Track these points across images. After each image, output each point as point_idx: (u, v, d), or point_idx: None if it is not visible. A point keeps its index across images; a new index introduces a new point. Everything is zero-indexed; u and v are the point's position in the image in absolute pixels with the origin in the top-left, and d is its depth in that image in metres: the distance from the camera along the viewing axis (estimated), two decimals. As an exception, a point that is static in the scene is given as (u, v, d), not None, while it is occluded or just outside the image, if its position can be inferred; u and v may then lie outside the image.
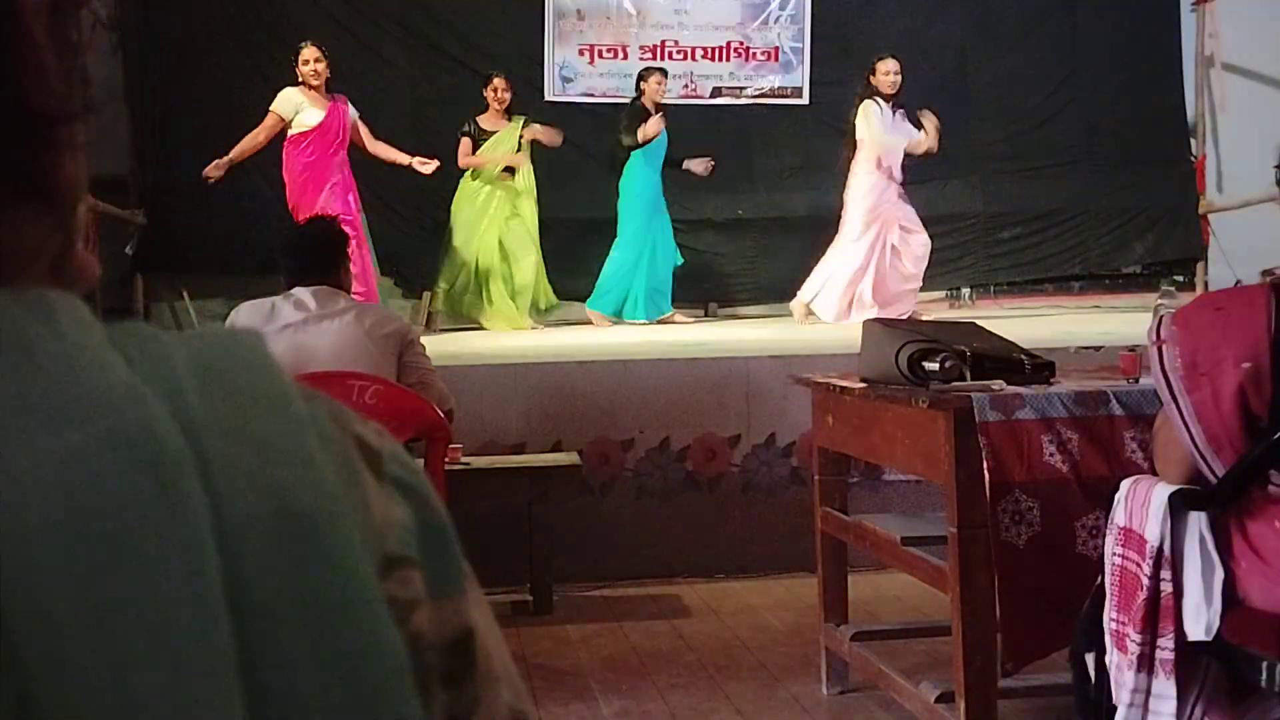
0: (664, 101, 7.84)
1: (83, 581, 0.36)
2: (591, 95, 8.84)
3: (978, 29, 8.98)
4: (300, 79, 6.80)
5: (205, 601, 0.37)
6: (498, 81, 7.53)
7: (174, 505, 0.38)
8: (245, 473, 0.40)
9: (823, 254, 7.74)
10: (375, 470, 0.46)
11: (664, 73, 7.96)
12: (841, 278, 7.30)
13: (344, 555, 0.41)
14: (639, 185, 7.73)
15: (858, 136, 7.29)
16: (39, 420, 0.37)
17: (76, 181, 0.45)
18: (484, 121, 7.54)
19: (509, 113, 7.60)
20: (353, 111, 6.98)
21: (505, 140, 7.54)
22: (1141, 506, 2.17)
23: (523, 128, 7.57)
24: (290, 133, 6.82)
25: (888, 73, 7.22)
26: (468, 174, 7.57)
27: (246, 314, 3.54)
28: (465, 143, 7.46)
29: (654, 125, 7.57)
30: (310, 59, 6.78)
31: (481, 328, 7.52)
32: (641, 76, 7.88)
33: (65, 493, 0.36)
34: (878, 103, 7.24)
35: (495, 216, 7.53)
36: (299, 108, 6.80)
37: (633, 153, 7.69)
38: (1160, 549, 2.11)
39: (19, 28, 0.42)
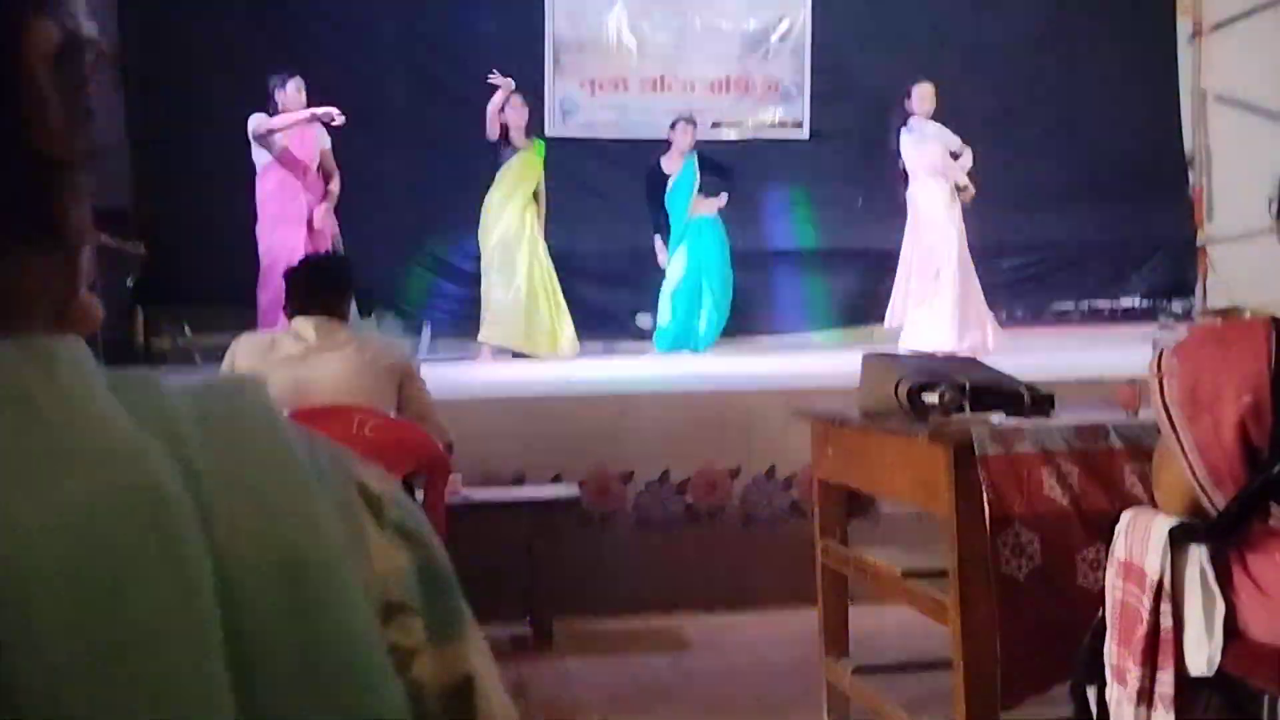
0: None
1: (83, 630, 0.36)
2: (592, 128, 8.88)
3: (975, 61, 9.02)
4: (282, 107, 6.82)
5: (205, 650, 0.37)
6: (515, 99, 7.56)
7: (174, 555, 0.38)
8: (245, 522, 0.40)
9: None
10: (377, 516, 0.46)
11: (686, 121, 8.01)
12: (946, 313, 7.18)
13: (344, 604, 0.41)
14: (671, 224, 7.83)
15: (909, 165, 7.28)
16: (40, 470, 0.37)
17: (81, 225, 0.45)
18: (510, 139, 7.58)
19: (528, 131, 7.63)
20: (325, 140, 6.95)
21: (531, 159, 7.57)
22: (1141, 539, 2.16)
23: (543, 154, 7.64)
24: (259, 165, 6.84)
25: (924, 97, 7.24)
26: (495, 200, 7.56)
27: (247, 346, 3.54)
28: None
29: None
30: (293, 89, 6.80)
31: (526, 356, 7.50)
32: (673, 125, 8.00)
33: (66, 542, 0.36)
34: (909, 126, 7.26)
35: (533, 239, 7.54)
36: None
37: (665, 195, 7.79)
38: (1160, 582, 2.11)
39: (26, 73, 0.42)
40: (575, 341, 7.62)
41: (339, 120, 6.81)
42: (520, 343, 7.54)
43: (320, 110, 6.77)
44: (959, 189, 7.31)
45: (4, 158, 0.42)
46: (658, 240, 7.82)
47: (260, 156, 6.84)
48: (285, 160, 6.82)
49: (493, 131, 7.52)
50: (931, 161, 7.22)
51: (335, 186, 6.96)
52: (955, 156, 7.27)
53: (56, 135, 0.43)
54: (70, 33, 0.44)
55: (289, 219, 6.78)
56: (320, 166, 6.95)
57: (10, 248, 0.42)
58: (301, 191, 6.84)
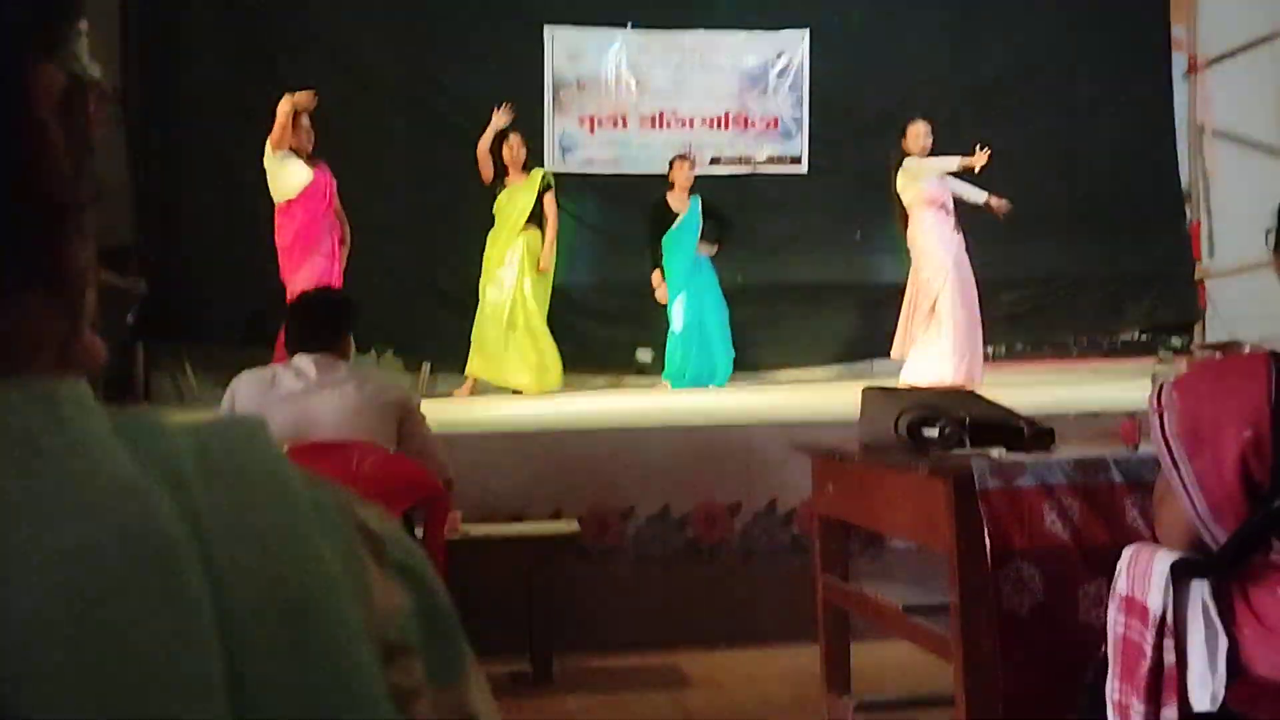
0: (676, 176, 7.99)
1: (85, 675, 0.36)
2: (591, 165, 8.92)
3: (973, 95, 9.08)
4: (292, 144, 6.81)
5: (206, 691, 0.37)
6: (513, 138, 7.62)
7: (176, 599, 0.38)
8: (247, 564, 0.40)
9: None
10: (377, 556, 0.46)
11: (684, 158, 8.06)
12: (945, 347, 7.17)
13: (345, 645, 0.41)
14: (673, 264, 7.84)
15: (905, 201, 7.31)
16: (42, 514, 0.38)
17: (84, 267, 0.45)
18: (507, 179, 7.64)
19: (526, 168, 7.68)
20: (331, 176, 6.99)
21: (523, 192, 7.60)
22: (1143, 575, 2.16)
23: (542, 183, 7.65)
24: (279, 199, 6.84)
25: (918, 135, 7.28)
26: (489, 238, 7.62)
27: (247, 382, 3.55)
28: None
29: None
30: (304, 123, 6.82)
31: (515, 392, 7.51)
32: (671, 164, 8.03)
33: (69, 587, 0.37)
34: (904, 165, 7.29)
35: (520, 274, 7.56)
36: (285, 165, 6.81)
37: (666, 234, 7.80)
38: (1163, 618, 2.10)
39: (32, 118, 0.43)
40: (556, 377, 7.60)
41: (312, 104, 6.79)
42: (499, 378, 7.56)
43: (297, 95, 6.76)
44: (988, 207, 7.34)
45: (10, 202, 0.42)
46: (656, 275, 7.84)
47: (284, 190, 6.81)
48: (312, 194, 6.81)
49: (486, 174, 7.58)
50: (930, 195, 7.25)
51: (347, 229, 7.00)
52: (966, 173, 7.24)
53: (62, 179, 0.44)
54: (75, 76, 0.45)
55: (321, 252, 6.79)
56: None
57: (14, 290, 0.43)
58: (330, 226, 6.87)
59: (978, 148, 7.16)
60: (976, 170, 7.18)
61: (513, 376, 7.53)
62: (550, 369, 7.57)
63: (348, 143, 7.40)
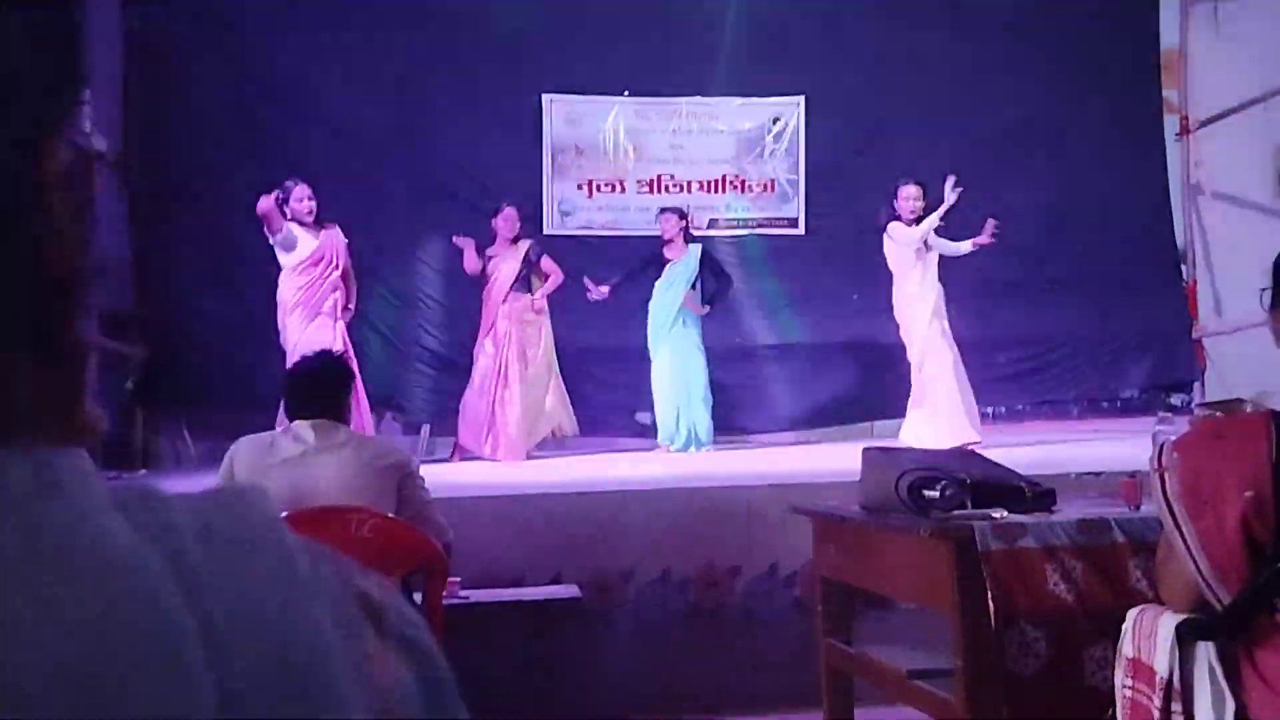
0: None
1: None
2: (589, 228, 8.98)
3: (969, 158, 9.14)
4: (291, 216, 6.87)
5: None
6: (509, 210, 7.67)
7: (175, 672, 0.38)
8: (245, 637, 0.40)
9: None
10: (378, 627, 0.46)
11: (668, 210, 8.13)
12: (937, 409, 7.18)
13: (344, 717, 0.40)
14: (660, 307, 7.90)
15: (890, 265, 7.36)
16: (41, 587, 0.37)
17: (85, 339, 0.45)
18: (492, 250, 7.68)
19: (515, 240, 7.72)
20: (342, 239, 7.05)
21: (508, 261, 7.64)
22: (1148, 637, 2.14)
23: (529, 250, 7.69)
24: (285, 264, 6.88)
25: (908, 198, 7.34)
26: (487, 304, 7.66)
27: (246, 448, 3.53)
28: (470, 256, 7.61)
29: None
30: (303, 197, 6.87)
31: (484, 459, 7.50)
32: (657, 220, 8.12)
33: (67, 660, 0.36)
34: (889, 231, 7.34)
35: (504, 341, 7.58)
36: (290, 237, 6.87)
37: (655, 284, 7.84)
38: (1170, 680, 2.08)
39: (37, 196, 0.43)
40: (513, 449, 7.55)
41: (292, 197, 6.86)
42: (477, 445, 7.55)
43: (275, 193, 6.82)
44: (979, 246, 7.37)
45: (17, 281, 0.42)
46: (604, 287, 7.88)
47: (291, 258, 6.86)
48: (317, 259, 6.86)
49: (475, 271, 7.62)
50: (911, 260, 7.31)
51: (355, 293, 7.05)
52: (951, 209, 7.25)
53: (65, 253, 0.44)
54: (79, 149, 0.45)
55: (323, 314, 6.83)
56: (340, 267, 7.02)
57: (16, 361, 0.43)
58: (335, 289, 6.90)
59: (946, 187, 7.18)
60: (954, 201, 7.19)
61: (486, 443, 7.53)
62: (515, 438, 7.54)
63: (347, 210, 7.44)
